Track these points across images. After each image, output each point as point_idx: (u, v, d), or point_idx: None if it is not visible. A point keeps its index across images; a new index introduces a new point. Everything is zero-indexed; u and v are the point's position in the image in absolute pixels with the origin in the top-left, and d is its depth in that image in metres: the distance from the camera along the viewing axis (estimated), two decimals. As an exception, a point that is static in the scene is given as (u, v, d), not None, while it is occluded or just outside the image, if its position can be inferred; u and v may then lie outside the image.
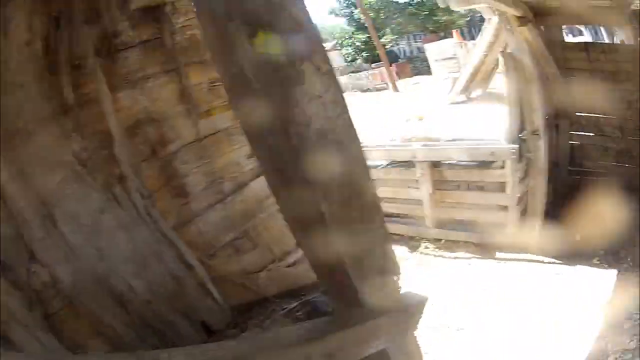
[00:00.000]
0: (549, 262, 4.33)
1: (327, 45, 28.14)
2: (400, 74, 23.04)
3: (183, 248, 1.93)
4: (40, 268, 1.35)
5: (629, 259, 4.08)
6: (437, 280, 4.56)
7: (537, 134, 4.29)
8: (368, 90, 18.94)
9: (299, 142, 1.11)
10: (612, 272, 3.93)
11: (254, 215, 2.34)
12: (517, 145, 4.25)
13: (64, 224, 1.54)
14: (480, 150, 4.50)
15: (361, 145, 1.23)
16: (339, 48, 30.88)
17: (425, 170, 4.92)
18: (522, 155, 4.37)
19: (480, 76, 8.27)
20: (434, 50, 18.58)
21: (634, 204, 3.94)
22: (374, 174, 5.41)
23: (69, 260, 1.49)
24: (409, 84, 16.33)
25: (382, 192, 5.47)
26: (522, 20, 4.05)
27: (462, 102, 7.84)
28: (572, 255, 4.18)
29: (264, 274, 2.23)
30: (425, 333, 3.79)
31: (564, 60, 4.77)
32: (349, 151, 1.18)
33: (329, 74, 1.15)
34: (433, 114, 7.07)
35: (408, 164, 5.10)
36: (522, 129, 4.39)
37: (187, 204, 1.95)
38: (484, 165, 4.59)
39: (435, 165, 4.91)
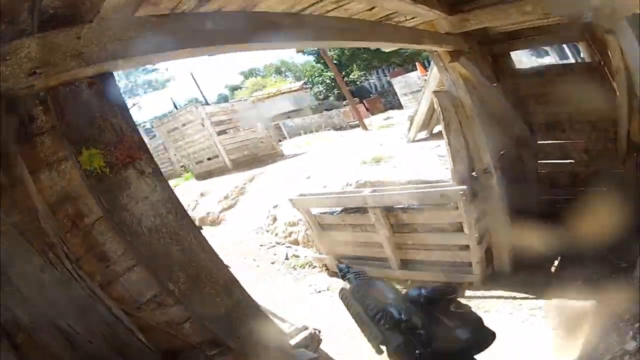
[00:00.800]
0: (522, 298, 4.28)
1: (296, 85, 28.39)
2: (373, 110, 23.32)
3: (110, 302, 1.99)
4: (4, 311, 1.44)
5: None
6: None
7: (488, 172, 4.29)
8: (341, 128, 19.05)
9: (133, 239, 1.34)
10: (589, 304, 3.83)
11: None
12: (465, 187, 4.19)
13: (17, 279, 1.61)
14: (429, 194, 4.49)
15: (199, 233, 1.45)
16: (310, 87, 31.19)
17: (378, 216, 4.90)
18: (476, 194, 4.34)
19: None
20: (401, 84, 18.78)
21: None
22: (331, 220, 5.39)
23: (25, 306, 1.58)
24: (380, 119, 16.38)
25: (342, 236, 5.49)
26: (454, 56, 3.93)
27: (424, 139, 7.85)
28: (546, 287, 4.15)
29: (187, 324, 2.31)
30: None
31: (517, 88, 4.77)
32: (186, 240, 1.39)
33: (154, 175, 1.34)
34: (393, 154, 7.02)
35: (362, 210, 5.07)
36: (472, 167, 4.38)
37: (109, 266, 1.98)
38: (439, 206, 4.56)
39: (388, 210, 4.89)
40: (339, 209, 5.52)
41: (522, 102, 4.78)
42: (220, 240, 9.25)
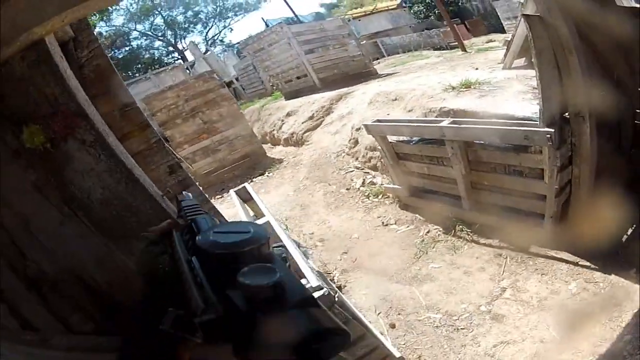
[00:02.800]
0: (583, 266, 3.81)
1: (394, 3, 27.02)
2: (474, 31, 21.71)
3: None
4: (31, 263, 1.43)
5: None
6: (459, 272, 4.38)
7: (581, 116, 3.61)
8: (441, 48, 17.88)
9: (85, 215, 1.25)
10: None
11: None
12: (552, 130, 3.58)
13: (39, 233, 1.55)
14: (512, 133, 3.91)
15: (155, 201, 1.35)
16: (410, 5, 29.19)
17: (456, 150, 4.43)
18: (565, 140, 3.73)
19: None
20: (503, 7, 16.78)
21: None
22: (407, 149, 5.07)
23: (49, 259, 1.52)
24: (482, 42, 15.17)
25: (417, 167, 5.18)
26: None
27: (522, 66, 6.98)
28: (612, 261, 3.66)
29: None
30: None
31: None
32: (141, 210, 1.28)
33: (97, 143, 1.22)
34: (484, 80, 6.35)
35: (440, 141, 4.62)
36: (565, 108, 3.74)
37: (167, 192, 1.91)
38: (521, 148, 4.02)
39: (468, 144, 4.40)
40: (416, 138, 5.12)
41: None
42: (301, 161, 9.27)
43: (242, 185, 6.11)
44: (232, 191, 6.01)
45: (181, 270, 0.78)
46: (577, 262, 3.85)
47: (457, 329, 3.72)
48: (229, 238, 0.67)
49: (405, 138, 5.26)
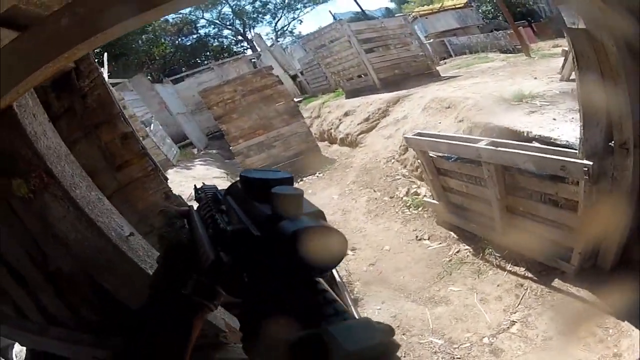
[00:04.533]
0: (602, 309, 3.54)
1: (461, 2, 26.17)
2: (542, 34, 20.66)
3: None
4: (51, 261, 1.59)
5: None
6: (476, 299, 4.30)
7: (626, 148, 3.31)
8: (507, 50, 17.17)
9: (68, 249, 1.46)
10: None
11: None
12: (591, 163, 3.32)
13: (56, 237, 1.69)
14: (549, 162, 3.67)
15: (116, 247, 1.51)
16: (478, 4, 28.17)
17: (492, 173, 4.24)
18: (605, 172, 3.45)
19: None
20: (568, 11, 15.84)
21: None
22: (447, 165, 4.96)
23: (64, 259, 1.66)
24: (548, 46, 14.43)
25: (455, 184, 5.05)
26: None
27: (578, 79, 6.60)
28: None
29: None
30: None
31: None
32: (106, 251, 1.48)
33: (65, 197, 1.43)
34: (538, 94, 6.05)
35: (478, 162, 4.44)
36: (609, 137, 3.43)
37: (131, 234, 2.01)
38: (559, 177, 3.77)
39: (505, 168, 4.20)
40: (455, 156, 4.96)
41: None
42: (352, 164, 9.26)
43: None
44: None
45: (198, 238, 0.84)
46: (595, 303, 3.63)
47: (453, 358, 3.69)
48: (263, 174, 0.73)
49: (445, 154, 5.09)
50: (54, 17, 1.21)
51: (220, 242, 0.76)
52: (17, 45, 1.22)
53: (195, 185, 1.22)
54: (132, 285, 1.50)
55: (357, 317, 0.54)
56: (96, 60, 2.24)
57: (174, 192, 2.47)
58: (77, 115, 2.13)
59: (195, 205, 1.09)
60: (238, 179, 0.76)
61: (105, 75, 11.92)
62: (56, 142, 1.54)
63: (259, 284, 0.62)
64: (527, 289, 4.11)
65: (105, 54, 15.01)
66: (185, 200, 2.57)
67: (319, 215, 0.62)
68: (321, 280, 0.60)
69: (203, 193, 1.06)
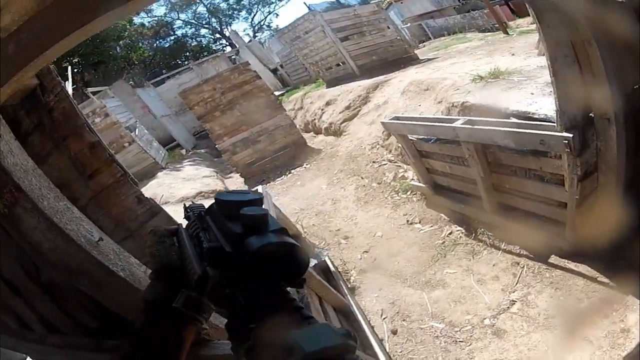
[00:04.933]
0: (602, 283, 3.56)
1: None
2: (520, 12, 20.78)
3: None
4: (43, 272, 1.66)
5: None
6: (473, 280, 4.29)
7: (607, 118, 3.28)
8: (485, 30, 17.12)
9: (41, 256, 1.50)
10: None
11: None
12: (571, 135, 3.27)
13: (45, 252, 1.72)
14: (527, 137, 3.63)
15: (87, 252, 1.52)
16: None
17: (472, 152, 4.24)
18: (587, 144, 3.42)
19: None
20: None
21: None
22: (427, 147, 4.96)
23: (54, 271, 1.70)
24: (527, 23, 14.47)
25: (439, 165, 5.06)
26: None
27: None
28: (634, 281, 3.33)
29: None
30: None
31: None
32: (78, 257, 1.50)
33: (34, 209, 1.46)
34: (515, 69, 6.06)
35: (456, 142, 4.44)
36: (588, 108, 3.38)
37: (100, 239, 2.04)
38: (540, 152, 3.74)
39: (485, 146, 4.19)
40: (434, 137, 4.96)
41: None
42: (338, 152, 9.28)
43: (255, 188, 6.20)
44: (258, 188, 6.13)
45: (186, 255, 0.90)
46: (595, 278, 3.62)
47: (456, 341, 3.67)
48: (235, 196, 0.82)
49: (424, 136, 5.10)
50: (12, 35, 1.27)
51: (206, 258, 0.81)
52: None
53: (184, 204, 1.28)
54: (105, 288, 1.54)
55: (319, 323, 0.61)
56: (65, 70, 2.25)
57: (165, 194, 2.50)
58: (46, 129, 2.16)
59: (185, 223, 1.14)
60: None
61: (69, 88, 11.83)
62: (23, 158, 1.57)
63: (237, 296, 0.70)
64: (523, 267, 4.11)
65: (69, 67, 14.84)
66: (174, 201, 2.58)
67: (283, 232, 0.70)
68: (289, 289, 0.69)
69: (191, 212, 1.12)
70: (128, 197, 2.33)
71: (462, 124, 4.23)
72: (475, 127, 4.07)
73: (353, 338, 0.56)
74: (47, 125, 2.16)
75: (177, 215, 2.38)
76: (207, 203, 1.08)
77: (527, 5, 3.29)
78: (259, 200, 0.80)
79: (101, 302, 1.57)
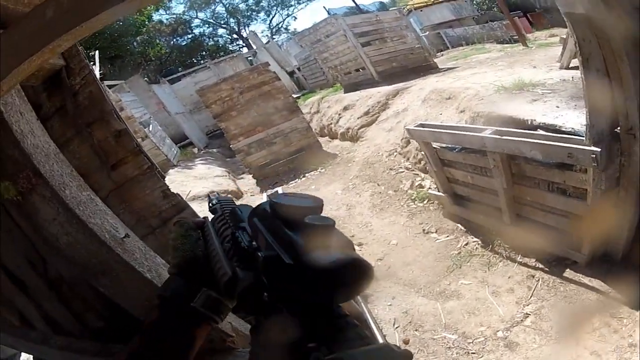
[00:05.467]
0: (615, 299, 3.52)
1: None
2: (537, 25, 20.72)
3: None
4: (51, 267, 1.59)
5: None
6: (488, 292, 4.26)
7: (632, 134, 3.26)
8: (504, 41, 17.05)
9: (57, 253, 1.41)
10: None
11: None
12: (599, 150, 3.26)
13: (54, 242, 1.65)
14: (555, 149, 3.61)
15: (110, 249, 1.43)
16: None
17: (498, 162, 4.21)
18: (612, 159, 3.41)
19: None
20: (563, 2, 15.70)
21: None
22: (450, 156, 4.92)
23: (64, 265, 1.66)
24: (544, 36, 14.40)
25: (461, 175, 5.02)
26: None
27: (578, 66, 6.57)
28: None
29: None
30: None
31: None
32: (100, 253, 1.41)
33: (54, 198, 1.37)
34: (538, 82, 6.01)
35: (483, 151, 4.41)
36: (615, 123, 3.36)
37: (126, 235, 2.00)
38: (566, 165, 3.73)
39: (511, 157, 4.17)
40: (459, 146, 4.93)
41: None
42: (354, 158, 9.24)
43: (275, 189, 6.17)
44: (264, 194, 6.12)
45: (213, 251, 0.88)
46: (608, 293, 3.60)
47: (468, 353, 3.64)
48: (295, 201, 0.73)
49: (448, 145, 5.06)
50: (37, 10, 1.20)
51: (237, 258, 0.79)
52: (1, 42, 1.21)
53: (208, 195, 1.26)
54: (129, 289, 1.46)
55: (377, 342, 0.58)
56: (88, 58, 2.21)
57: (176, 192, 2.44)
58: (68, 114, 2.09)
59: (209, 215, 1.10)
60: (265, 200, 0.78)
61: (97, 72, 11.86)
62: (44, 141, 1.50)
63: (281, 305, 0.65)
64: (538, 280, 4.07)
65: (97, 52, 14.94)
66: (185, 200, 2.53)
67: (349, 245, 0.64)
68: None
69: (218, 204, 1.08)
70: (153, 191, 2.24)
71: (490, 133, 4.21)
72: (504, 137, 4.04)
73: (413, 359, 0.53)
74: (70, 109, 2.09)
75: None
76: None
77: (564, 17, 3.26)
78: (320, 207, 0.73)
79: (121, 304, 1.47)
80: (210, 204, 1.13)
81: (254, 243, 0.76)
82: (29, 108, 1.53)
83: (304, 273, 0.59)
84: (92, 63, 11.61)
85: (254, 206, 0.84)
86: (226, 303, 0.89)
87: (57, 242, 1.40)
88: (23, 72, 1.25)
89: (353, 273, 0.60)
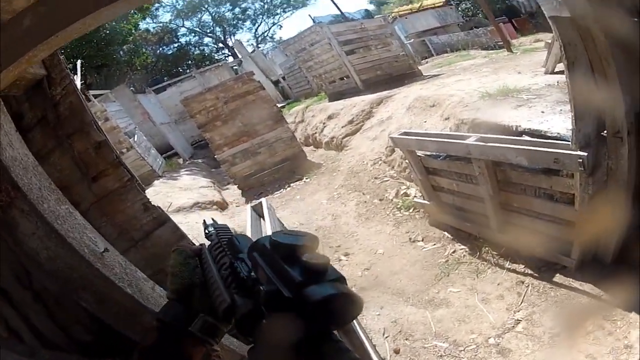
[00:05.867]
0: (607, 302, 3.48)
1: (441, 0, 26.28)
2: (522, 30, 21.03)
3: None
4: (36, 281, 1.57)
5: None
6: (477, 299, 4.21)
7: (619, 137, 3.23)
8: (488, 47, 17.21)
9: (38, 267, 1.41)
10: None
11: (167, 256, 2.45)
12: (585, 154, 3.22)
13: (36, 257, 1.64)
14: (541, 155, 3.57)
15: (90, 264, 1.43)
16: (458, 2, 28.44)
17: (483, 169, 4.15)
18: (599, 163, 3.37)
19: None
20: (547, 5, 16.00)
21: None
22: (435, 164, 4.86)
23: (49, 279, 1.62)
24: (529, 41, 14.55)
25: (446, 183, 4.96)
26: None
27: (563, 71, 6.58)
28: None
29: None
30: None
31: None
32: (81, 268, 1.41)
33: (32, 212, 1.36)
34: (523, 87, 6.00)
35: (467, 158, 4.35)
36: (601, 127, 3.34)
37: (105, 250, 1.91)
38: (552, 170, 3.69)
39: (496, 163, 4.11)
40: (444, 154, 4.87)
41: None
42: (339, 167, 9.19)
43: (259, 200, 6.07)
44: (248, 206, 6.06)
45: (211, 279, 0.94)
46: (600, 296, 3.57)
47: None
48: (292, 239, 0.80)
49: (433, 152, 5.00)
50: (15, 19, 1.20)
51: (235, 285, 0.86)
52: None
53: (204, 220, 1.29)
54: (110, 304, 1.46)
55: None
56: (69, 67, 2.15)
57: (161, 203, 2.40)
58: (50, 125, 2.06)
59: (205, 241, 1.17)
60: (265, 238, 0.82)
61: (78, 82, 11.73)
62: (23, 153, 1.48)
63: (277, 330, 0.69)
64: (528, 286, 4.02)
65: (79, 61, 14.79)
66: (169, 211, 2.44)
67: (341, 281, 0.72)
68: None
69: (214, 231, 1.14)
70: (134, 203, 2.22)
71: (475, 140, 4.15)
72: (489, 144, 4.00)
73: None
74: (51, 120, 2.06)
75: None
76: (204, 214, 1.00)
77: (549, 21, 3.23)
78: (316, 245, 0.80)
79: (103, 319, 1.47)
80: (207, 231, 1.19)
81: (252, 274, 0.82)
82: (8, 119, 1.52)
83: (302, 306, 0.66)
84: (73, 73, 11.49)
85: (252, 237, 0.94)
86: (222, 328, 0.95)
87: (37, 257, 1.40)
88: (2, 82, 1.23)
89: (344, 305, 0.68)
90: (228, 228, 1.18)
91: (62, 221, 1.46)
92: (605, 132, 3.34)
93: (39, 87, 2.00)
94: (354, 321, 3.93)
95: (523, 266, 4.26)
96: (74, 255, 1.42)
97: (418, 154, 5.17)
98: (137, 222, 2.23)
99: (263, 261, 0.80)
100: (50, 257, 1.40)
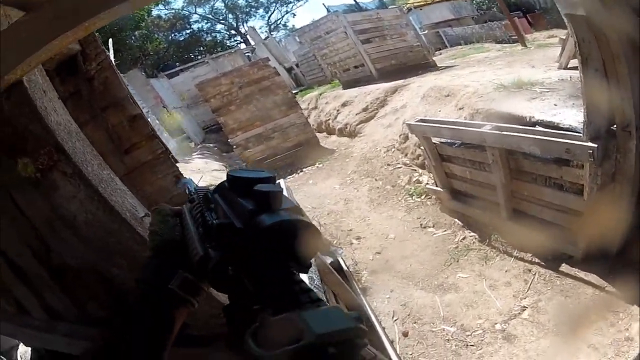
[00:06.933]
0: (611, 293, 3.60)
1: None
2: (537, 25, 20.75)
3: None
4: (55, 255, 1.55)
5: None
6: (485, 285, 4.33)
7: (628, 131, 3.35)
8: (502, 41, 17.05)
9: (74, 232, 1.40)
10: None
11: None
12: (596, 146, 3.35)
13: (61, 230, 1.63)
14: (554, 145, 3.70)
15: (131, 227, 1.43)
16: None
17: (497, 157, 4.28)
18: (609, 155, 3.49)
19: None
20: (563, 3, 15.72)
21: None
22: (450, 151, 4.97)
23: (70, 252, 1.64)
24: (543, 37, 14.47)
25: (459, 170, 5.08)
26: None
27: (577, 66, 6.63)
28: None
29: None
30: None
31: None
32: (120, 233, 1.42)
33: (75, 174, 1.36)
34: (537, 81, 6.07)
35: (482, 146, 4.47)
36: (612, 121, 3.45)
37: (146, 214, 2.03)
38: (563, 161, 3.81)
39: (509, 152, 4.24)
40: (459, 141, 4.99)
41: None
42: (352, 153, 9.27)
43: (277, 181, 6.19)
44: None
45: (189, 235, 0.89)
46: (604, 287, 3.67)
47: (467, 345, 3.69)
48: (248, 174, 0.79)
49: (448, 140, 5.13)
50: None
51: (208, 239, 0.79)
52: (26, 22, 1.23)
53: (179, 179, 1.23)
54: None
55: (329, 305, 0.60)
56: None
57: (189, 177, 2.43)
58: (83, 99, 2.12)
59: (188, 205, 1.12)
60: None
61: (112, 59, 11.75)
62: (66, 119, 1.49)
63: (241, 276, 0.67)
64: (535, 274, 4.14)
65: (111, 40, 14.91)
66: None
67: (296, 210, 0.69)
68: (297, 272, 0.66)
69: (195, 193, 1.10)
70: (166, 176, 2.27)
71: (490, 129, 4.27)
72: (503, 132, 4.11)
73: (363, 322, 0.54)
74: (85, 94, 2.13)
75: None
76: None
77: (564, 18, 3.34)
78: (272, 178, 0.78)
79: (128, 289, 1.45)
80: (189, 195, 1.14)
81: (216, 218, 0.80)
82: (51, 87, 1.53)
83: (252, 236, 0.64)
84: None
85: None
86: (201, 285, 0.91)
87: (74, 221, 1.39)
88: (46, 53, 1.26)
89: (297, 233, 0.64)
90: (208, 188, 1.09)
91: (106, 185, 1.47)
92: (614, 126, 3.46)
93: (73, 63, 2.06)
94: (365, 302, 4.08)
95: (531, 255, 4.37)
96: (115, 218, 1.43)
97: (433, 140, 5.29)
98: (167, 194, 2.26)
99: (221, 199, 0.81)
100: (88, 221, 1.40)
